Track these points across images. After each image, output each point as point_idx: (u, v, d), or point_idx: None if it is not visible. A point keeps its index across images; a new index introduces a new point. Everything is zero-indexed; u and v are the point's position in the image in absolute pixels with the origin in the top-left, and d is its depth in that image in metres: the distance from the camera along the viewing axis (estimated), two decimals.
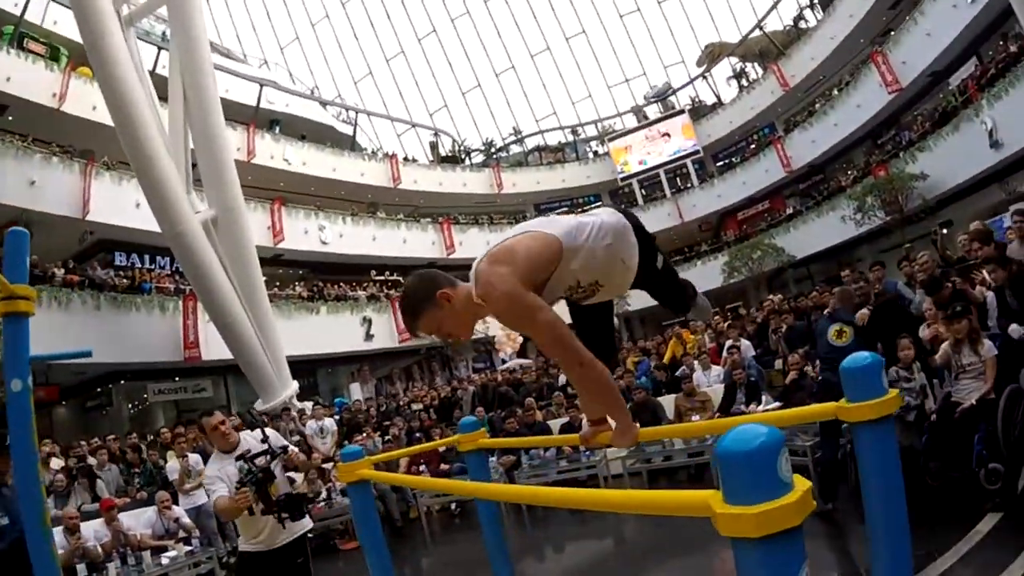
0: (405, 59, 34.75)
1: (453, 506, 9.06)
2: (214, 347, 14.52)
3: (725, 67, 32.27)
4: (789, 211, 26.86)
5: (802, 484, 0.88)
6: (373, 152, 28.45)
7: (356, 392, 18.98)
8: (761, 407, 7.54)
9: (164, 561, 6.98)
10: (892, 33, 21.33)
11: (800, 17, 28.49)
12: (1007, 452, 4.36)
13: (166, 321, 15.21)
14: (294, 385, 14.00)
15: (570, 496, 1.42)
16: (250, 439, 3.83)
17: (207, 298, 12.81)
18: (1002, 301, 5.58)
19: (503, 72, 35.06)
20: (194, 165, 13.32)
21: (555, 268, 2.05)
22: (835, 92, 24.45)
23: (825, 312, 7.31)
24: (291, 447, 3.90)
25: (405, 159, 28.64)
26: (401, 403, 14.06)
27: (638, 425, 2.11)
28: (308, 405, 13.63)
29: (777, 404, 7.27)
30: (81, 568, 6.52)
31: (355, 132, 29.24)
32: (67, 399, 16.68)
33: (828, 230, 22.73)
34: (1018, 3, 10.21)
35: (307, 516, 3.90)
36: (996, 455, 4.44)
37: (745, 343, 9.67)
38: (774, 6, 28.44)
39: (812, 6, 27.74)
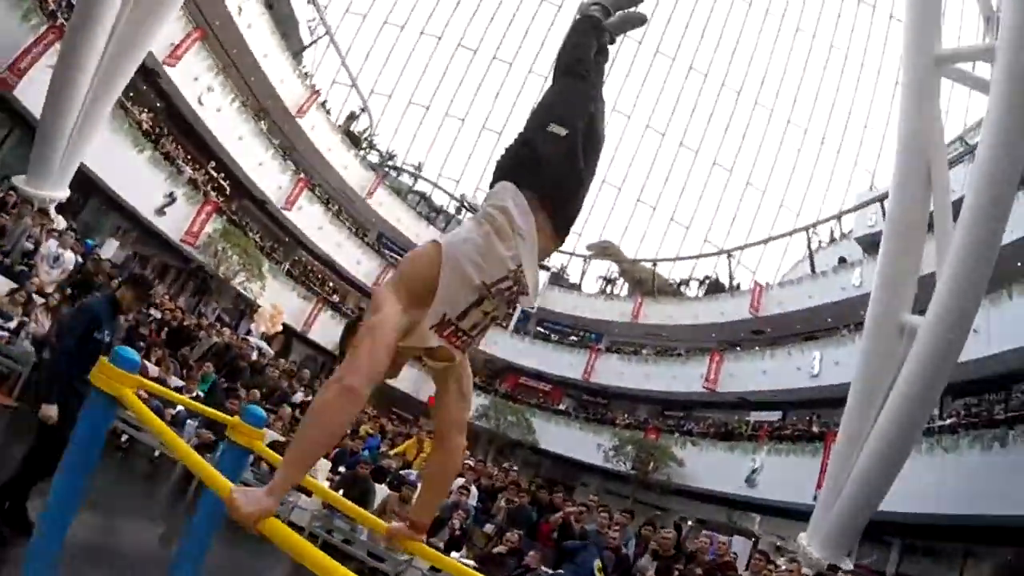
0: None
1: (124, 437, 8.06)
2: (34, 94, 12.18)
3: (602, 266, 34.18)
4: (561, 407, 28.13)
5: None
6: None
7: (110, 248, 16.86)
8: (458, 555, 7.24)
9: None
10: (739, 348, 23.81)
11: (686, 283, 31.28)
12: None
13: (13, 32, 12.83)
14: (65, 192, 12.14)
15: None
16: None
17: (75, 41, 10.90)
18: None
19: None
20: None
21: None
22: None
23: (602, 533, 7.47)
24: None
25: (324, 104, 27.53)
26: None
27: (272, 506, 1.49)
28: (60, 221, 11.90)
29: (472, 564, 6.77)
30: None
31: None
32: None
33: (578, 444, 23.95)
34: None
35: None
36: None
37: (474, 491, 9.54)
38: (694, 258, 31.01)
39: (703, 283, 30.49)
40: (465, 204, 34.99)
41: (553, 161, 2.03)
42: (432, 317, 1.82)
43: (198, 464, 1.73)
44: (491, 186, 2.07)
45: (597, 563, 6.17)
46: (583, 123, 2.14)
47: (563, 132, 2.07)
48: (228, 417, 2.88)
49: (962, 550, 13.59)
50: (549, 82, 2.45)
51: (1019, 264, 13.81)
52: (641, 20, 2.60)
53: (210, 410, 3.36)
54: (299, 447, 1.61)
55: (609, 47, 2.53)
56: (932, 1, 7.47)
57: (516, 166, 2.06)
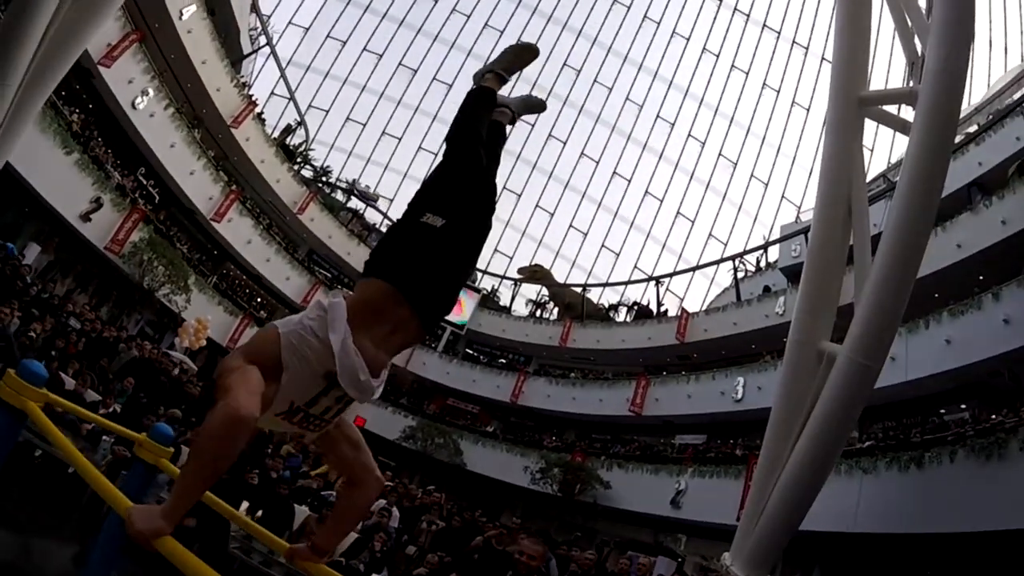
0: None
1: (37, 452, 7.24)
2: None
3: (532, 289, 34.46)
4: (489, 429, 28.03)
5: None
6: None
7: (32, 253, 16.14)
8: None
9: None
10: (665, 373, 24.27)
11: (615, 309, 31.76)
12: None
13: None
14: None
15: None
16: None
17: (7, 34, 10.45)
18: None
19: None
20: None
21: None
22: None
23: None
24: None
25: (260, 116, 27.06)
26: (64, 303, 12.16)
27: (165, 528, 1.49)
28: None
29: None
30: None
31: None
32: None
33: (505, 467, 23.90)
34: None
35: None
36: None
37: (396, 512, 9.42)
38: (623, 284, 31.52)
39: (631, 309, 31.06)
40: (355, 192, 34.52)
41: (423, 260, 1.94)
42: (279, 404, 1.75)
43: (98, 481, 1.72)
44: (363, 275, 1.96)
45: None
46: (464, 208, 2.05)
47: (439, 223, 1.98)
48: (136, 434, 2.84)
49: (881, 569, 14.03)
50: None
51: (935, 296, 14.64)
52: (541, 107, 2.67)
53: (118, 427, 3.25)
54: (192, 474, 1.55)
55: (509, 127, 2.51)
56: (859, 45, 7.96)
57: (385, 261, 1.96)
